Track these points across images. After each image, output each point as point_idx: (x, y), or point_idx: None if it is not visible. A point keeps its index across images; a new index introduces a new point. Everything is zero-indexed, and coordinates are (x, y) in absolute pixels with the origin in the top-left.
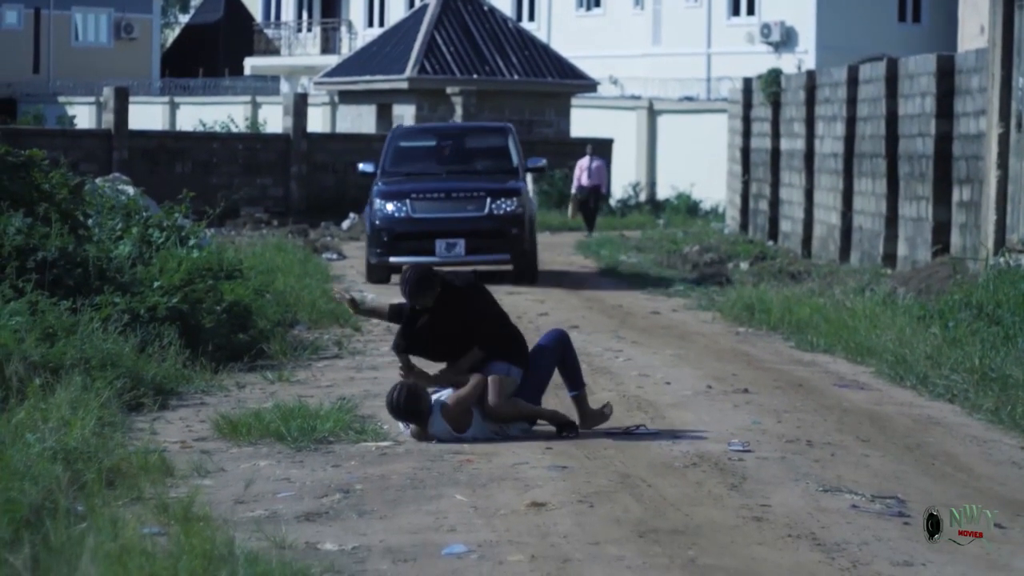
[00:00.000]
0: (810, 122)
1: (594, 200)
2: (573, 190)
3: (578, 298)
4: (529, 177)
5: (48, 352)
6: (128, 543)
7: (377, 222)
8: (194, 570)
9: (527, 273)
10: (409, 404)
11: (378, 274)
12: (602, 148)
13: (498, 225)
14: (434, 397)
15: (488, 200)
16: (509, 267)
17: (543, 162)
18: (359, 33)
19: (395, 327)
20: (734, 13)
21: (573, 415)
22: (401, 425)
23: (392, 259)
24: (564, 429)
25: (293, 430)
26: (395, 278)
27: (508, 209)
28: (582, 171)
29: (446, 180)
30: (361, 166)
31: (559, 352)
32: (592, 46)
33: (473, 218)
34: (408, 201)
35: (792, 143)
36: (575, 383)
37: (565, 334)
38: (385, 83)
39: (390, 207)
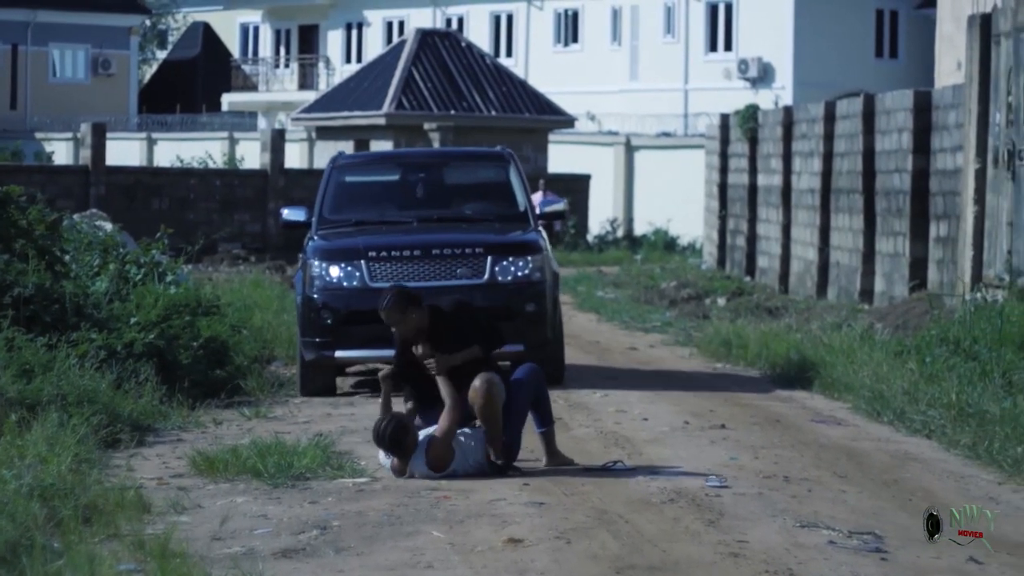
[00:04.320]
0: (787, 158)
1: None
2: None
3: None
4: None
5: (24, 389)
6: None
7: (315, 296)
8: None
9: (550, 371)
10: (395, 436)
11: (318, 380)
12: (579, 184)
13: (506, 299)
14: (422, 434)
15: (489, 261)
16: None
17: (563, 203)
18: (337, 69)
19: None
20: (711, 49)
21: (540, 452)
22: (381, 457)
23: (340, 353)
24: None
25: (270, 466)
26: (342, 382)
27: (521, 274)
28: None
29: (420, 232)
30: (286, 212)
31: (534, 387)
32: (569, 82)
33: (467, 289)
34: (363, 263)
35: (769, 179)
36: (545, 419)
37: (539, 370)
38: (363, 119)
39: (335, 272)
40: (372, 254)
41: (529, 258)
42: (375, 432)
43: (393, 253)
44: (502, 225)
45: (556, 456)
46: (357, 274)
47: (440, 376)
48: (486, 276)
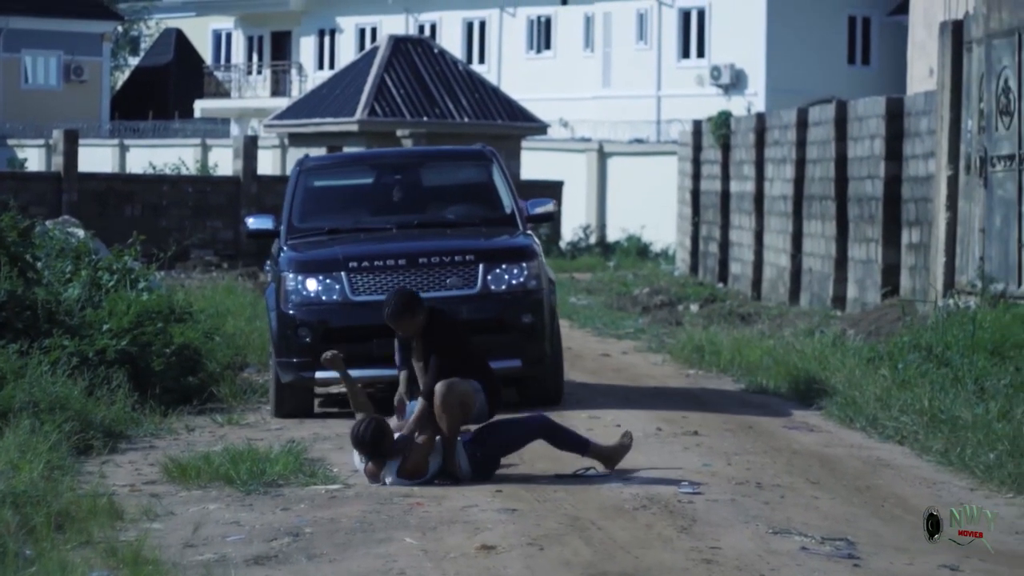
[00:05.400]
0: (760, 164)
1: None
2: None
3: None
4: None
5: None
6: None
7: (291, 312)
8: None
9: (549, 390)
10: (375, 439)
11: (295, 401)
12: (552, 190)
13: (501, 311)
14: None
15: (481, 269)
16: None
17: (551, 204)
18: (309, 76)
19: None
20: (684, 56)
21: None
22: (356, 461)
23: (321, 375)
24: (446, 477)
25: (242, 473)
26: (316, 405)
27: (516, 282)
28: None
29: (402, 239)
30: (251, 221)
31: (532, 435)
32: (542, 88)
33: (458, 300)
34: (344, 275)
35: (742, 185)
36: (581, 447)
37: (546, 422)
38: (335, 126)
39: (313, 286)
40: (353, 265)
41: (524, 265)
42: (353, 433)
43: (376, 263)
44: (489, 229)
45: (613, 453)
46: (337, 287)
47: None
48: (479, 286)
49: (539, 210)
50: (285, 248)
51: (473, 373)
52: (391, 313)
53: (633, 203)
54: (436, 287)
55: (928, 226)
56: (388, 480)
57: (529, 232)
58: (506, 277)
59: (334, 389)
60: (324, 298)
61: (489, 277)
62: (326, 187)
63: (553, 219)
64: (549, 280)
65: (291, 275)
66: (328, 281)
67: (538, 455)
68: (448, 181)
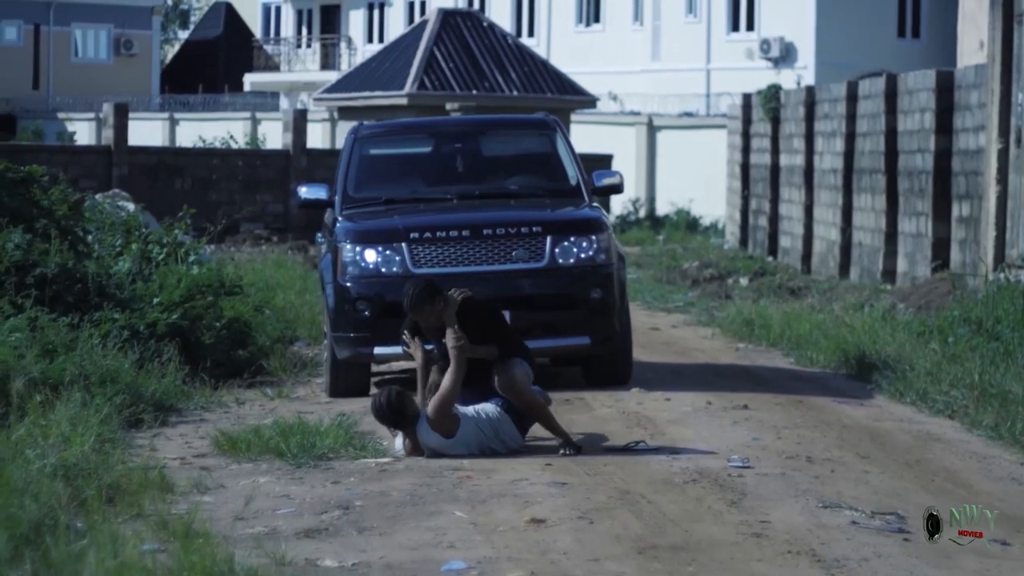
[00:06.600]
0: (809, 138)
1: None
2: None
3: None
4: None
5: (48, 368)
6: (128, 560)
7: (349, 284)
8: None
9: (617, 369)
10: (393, 408)
11: (350, 379)
12: (601, 164)
13: (569, 286)
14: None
15: (548, 241)
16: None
17: (617, 176)
18: (359, 49)
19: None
20: (733, 29)
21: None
22: (396, 442)
23: (380, 350)
24: (567, 447)
25: (293, 447)
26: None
27: (585, 256)
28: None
29: (463, 210)
30: (304, 191)
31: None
32: (591, 62)
33: (525, 274)
34: (404, 247)
35: (791, 159)
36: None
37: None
38: (384, 99)
39: (372, 257)
40: (415, 235)
41: (593, 237)
42: (374, 408)
43: (439, 234)
44: (554, 201)
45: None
46: (397, 259)
47: (453, 343)
48: (546, 259)
49: (605, 181)
50: (341, 218)
51: (513, 344)
52: (414, 304)
53: (682, 177)
54: (501, 260)
55: (978, 200)
56: (423, 440)
57: (596, 204)
58: (575, 250)
59: (393, 366)
60: (383, 270)
61: (557, 250)
62: (382, 155)
63: (620, 191)
64: (619, 255)
65: (349, 246)
66: (388, 252)
67: (587, 428)
68: (509, 151)
